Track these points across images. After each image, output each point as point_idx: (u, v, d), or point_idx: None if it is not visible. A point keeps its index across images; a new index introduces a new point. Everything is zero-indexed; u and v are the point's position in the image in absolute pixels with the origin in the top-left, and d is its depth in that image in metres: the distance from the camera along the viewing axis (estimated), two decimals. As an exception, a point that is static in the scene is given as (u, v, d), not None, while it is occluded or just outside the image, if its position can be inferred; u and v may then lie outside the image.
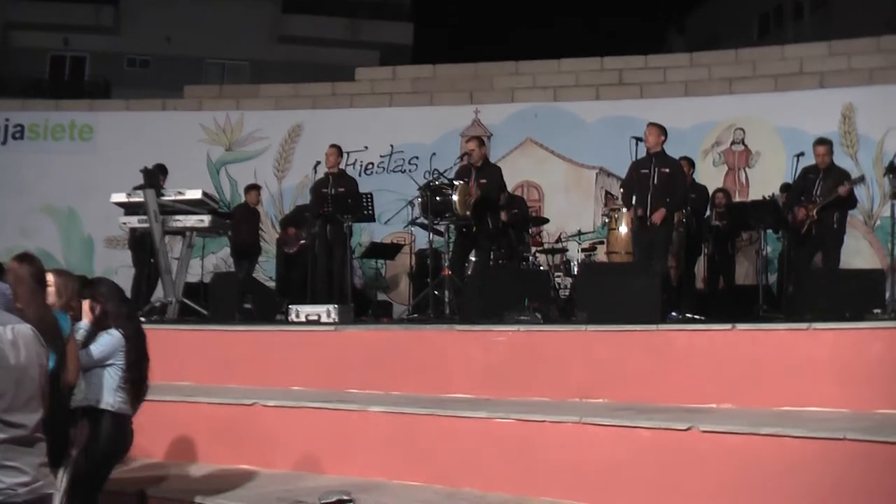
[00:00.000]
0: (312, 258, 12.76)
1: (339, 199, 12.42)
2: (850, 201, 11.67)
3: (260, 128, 17.92)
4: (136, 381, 6.44)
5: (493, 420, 7.97)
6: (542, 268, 13.36)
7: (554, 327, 9.66)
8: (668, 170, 11.28)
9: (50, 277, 6.33)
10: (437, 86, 17.83)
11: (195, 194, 12.07)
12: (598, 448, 7.44)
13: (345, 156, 14.38)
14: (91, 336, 6.38)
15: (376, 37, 35.00)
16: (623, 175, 12.08)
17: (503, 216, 12.78)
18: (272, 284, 15.21)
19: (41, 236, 17.72)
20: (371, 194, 12.48)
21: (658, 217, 11.11)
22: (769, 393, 8.14)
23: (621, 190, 12.71)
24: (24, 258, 5.74)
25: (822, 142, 11.81)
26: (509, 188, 13.20)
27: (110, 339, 6.39)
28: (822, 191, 11.42)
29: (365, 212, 12.40)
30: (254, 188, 15.53)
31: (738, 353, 8.43)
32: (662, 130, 11.40)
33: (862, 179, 12.14)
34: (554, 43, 33.61)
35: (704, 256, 13.50)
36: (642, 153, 11.38)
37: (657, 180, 11.18)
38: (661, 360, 8.67)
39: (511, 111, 17.10)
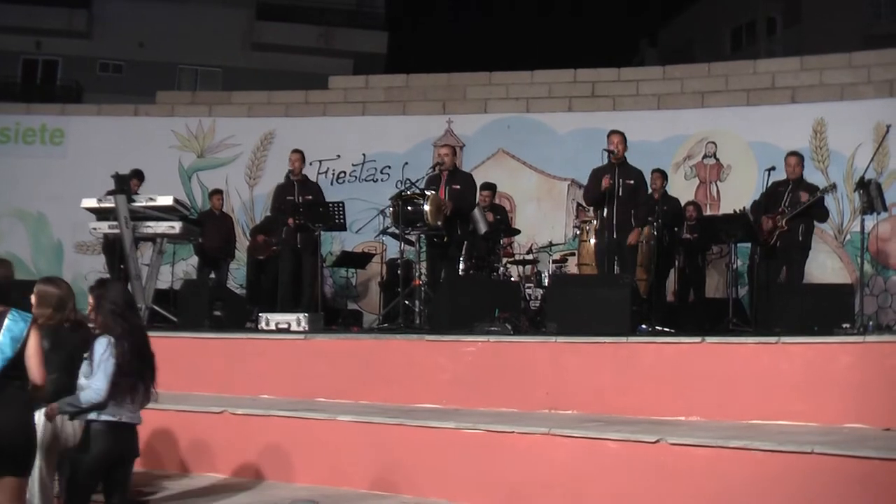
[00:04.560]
0: (282, 266, 12.72)
1: (310, 208, 12.40)
2: (821, 213, 11.72)
3: (232, 135, 17.80)
4: (125, 386, 5.96)
5: (460, 431, 7.97)
6: (512, 279, 13.33)
7: (524, 338, 9.66)
8: (632, 181, 11.30)
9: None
10: (410, 95, 17.79)
11: (166, 201, 12.00)
12: (566, 460, 7.45)
13: (315, 164, 14.33)
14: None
15: (350, 45, 34.86)
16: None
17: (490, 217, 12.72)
18: (242, 292, 15.14)
19: (10, 240, 17.55)
20: (342, 203, 12.45)
21: (633, 238, 11.31)
22: (738, 406, 8.17)
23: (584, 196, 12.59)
24: None
25: (794, 153, 11.90)
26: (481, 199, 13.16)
27: (95, 379, 5.90)
28: (791, 202, 11.45)
29: (336, 220, 12.37)
30: (215, 193, 15.52)
31: (708, 367, 8.46)
32: (625, 137, 11.45)
33: (834, 188, 12.21)
34: (527, 54, 33.74)
35: (675, 269, 13.53)
36: (614, 165, 11.41)
37: (622, 192, 11.20)
38: (630, 373, 8.70)
39: (484, 122, 17.07)
